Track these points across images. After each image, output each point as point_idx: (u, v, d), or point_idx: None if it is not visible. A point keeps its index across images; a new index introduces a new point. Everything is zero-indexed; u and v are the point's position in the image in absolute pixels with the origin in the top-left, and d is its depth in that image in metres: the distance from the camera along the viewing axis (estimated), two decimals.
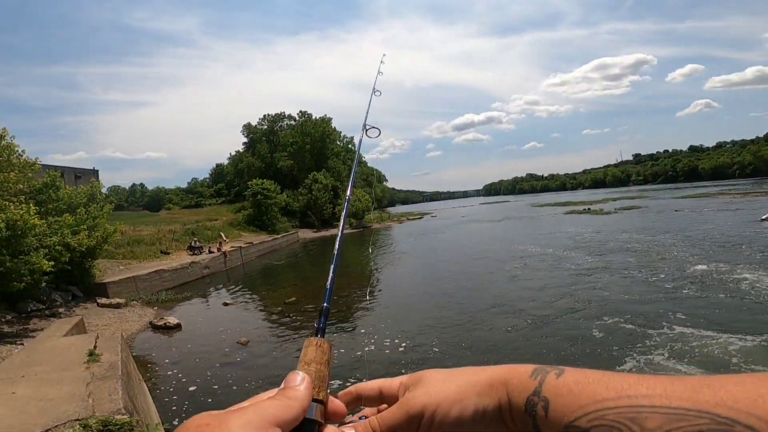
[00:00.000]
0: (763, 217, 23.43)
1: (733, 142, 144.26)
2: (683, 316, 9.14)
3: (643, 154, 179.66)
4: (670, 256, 16.09)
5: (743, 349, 7.24)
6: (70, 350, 6.14)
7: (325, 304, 0.57)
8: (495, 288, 14.20)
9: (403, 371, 6.83)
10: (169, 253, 24.72)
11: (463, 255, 23.16)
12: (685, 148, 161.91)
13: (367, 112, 1.13)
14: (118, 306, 14.31)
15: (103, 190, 20.77)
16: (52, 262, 12.01)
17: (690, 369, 6.81)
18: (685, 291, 11.17)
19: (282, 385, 0.48)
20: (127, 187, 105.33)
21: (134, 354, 9.86)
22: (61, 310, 12.98)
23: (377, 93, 1.30)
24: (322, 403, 0.49)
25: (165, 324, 12.04)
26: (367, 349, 9.13)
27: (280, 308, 13.70)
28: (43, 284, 13.55)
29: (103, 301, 14.49)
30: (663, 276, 13.06)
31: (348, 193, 0.87)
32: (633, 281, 12.85)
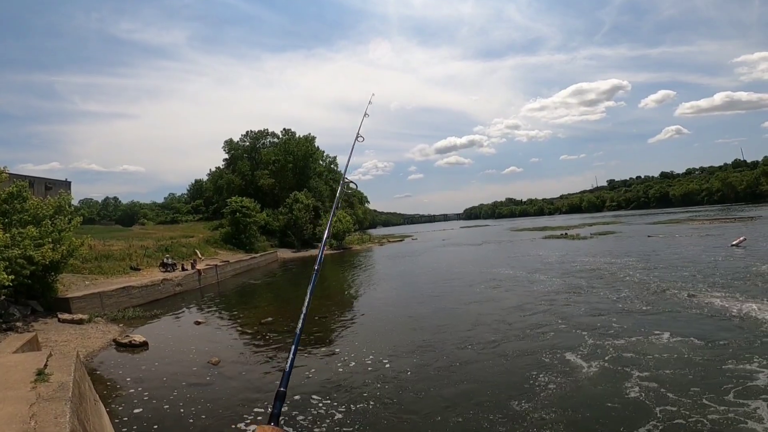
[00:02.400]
0: (733, 242, 24.24)
1: (702, 169, 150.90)
2: (654, 339, 9.16)
3: (617, 180, 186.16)
4: (646, 281, 16.36)
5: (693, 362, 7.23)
6: (17, 368, 5.60)
7: (281, 388, 0.50)
8: (474, 311, 14.06)
9: (380, 387, 6.51)
10: (139, 270, 23.73)
11: (443, 278, 23.03)
12: (656, 174, 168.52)
13: (351, 154, 1.14)
14: (80, 322, 13.48)
15: (74, 203, 19.91)
16: (12, 276, 11.29)
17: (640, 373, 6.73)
18: (662, 317, 11.27)
19: None
20: (99, 201, 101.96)
21: (95, 372, 9.22)
22: (18, 324, 12.13)
23: (360, 139, 1.32)
24: None
25: (130, 342, 11.35)
26: (341, 369, 8.75)
27: (255, 328, 13.16)
28: (2, 297, 12.69)
29: (65, 316, 13.64)
30: (638, 302, 13.21)
31: (331, 216, 0.77)
32: (609, 307, 12.93)
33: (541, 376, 7.56)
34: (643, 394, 6.47)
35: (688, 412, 5.78)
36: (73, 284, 17.58)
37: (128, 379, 8.90)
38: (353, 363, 9.18)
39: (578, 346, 9.10)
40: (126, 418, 6.87)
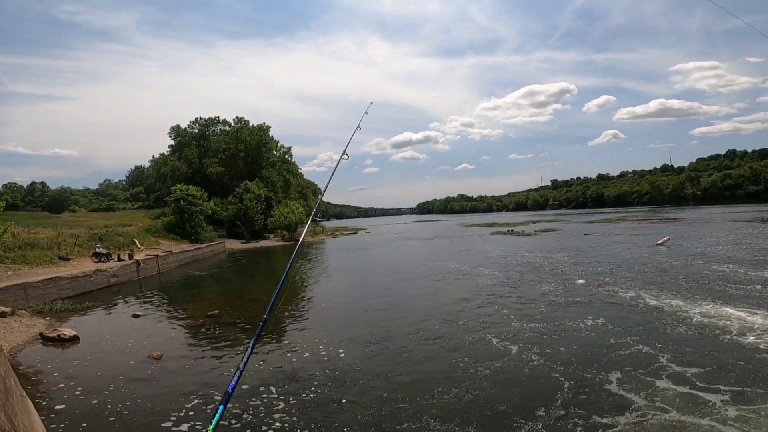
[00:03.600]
0: (658, 242, 26.61)
1: (634, 172, 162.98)
2: (570, 328, 9.94)
3: (559, 180, 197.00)
4: (578, 275, 17.58)
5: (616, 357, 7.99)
6: None
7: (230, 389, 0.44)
8: (423, 304, 14.44)
9: (334, 376, 6.58)
10: (69, 260, 22.00)
11: (395, 271, 23.39)
12: (594, 176, 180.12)
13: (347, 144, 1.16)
14: (2, 315, 12.30)
15: None
16: None
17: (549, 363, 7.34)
18: (585, 307, 12.21)
19: None
20: (25, 185, 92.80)
21: (20, 368, 8.50)
22: None
23: (345, 157, 1.38)
24: None
25: (59, 336, 10.53)
26: (294, 360, 8.70)
27: (200, 321, 12.67)
28: None
29: None
30: (567, 294, 14.20)
31: (318, 200, 0.78)
32: (542, 298, 13.80)
33: (479, 361, 8.02)
34: (558, 371, 7.21)
35: (589, 385, 6.53)
36: None
37: (57, 374, 8.28)
38: (306, 354, 9.15)
39: (509, 332, 9.96)
40: (56, 415, 6.42)
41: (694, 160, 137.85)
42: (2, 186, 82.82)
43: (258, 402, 6.70)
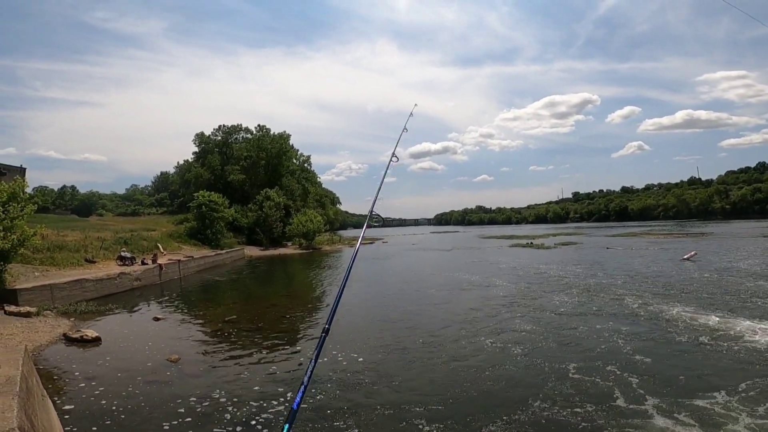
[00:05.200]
0: (684, 257, 25.70)
1: (660, 185, 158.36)
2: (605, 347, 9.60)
3: (581, 192, 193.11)
4: (601, 289, 17.05)
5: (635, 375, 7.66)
6: None
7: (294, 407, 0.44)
8: (441, 314, 14.26)
9: (353, 381, 6.55)
10: (95, 262, 22.64)
11: (412, 281, 23.24)
12: (618, 189, 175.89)
13: (396, 145, 1.13)
14: (27, 315, 12.71)
15: (28, 190, 18.77)
16: None
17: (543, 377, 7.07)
18: (616, 324, 11.80)
19: None
20: (56, 189, 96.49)
21: (41, 367, 8.72)
22: None
23: (395, 159, 1.30)
24: None
25: (82, 337, 10.79)
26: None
27: (218, 326, 12.82)
28: None
29: (11, 308, 12.84)
30: (592, 307, 13.76)
31: (372, 205, 0.75)
32: (567, 311, 13.42)
33: (493, 370, 7.82)
34: (578, 389, 6.81)
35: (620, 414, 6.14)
36: (22, 275, 16.58)
37: (78, 374, 8.47)
38: (324, 359, 9.14)
39: (526, 343, 9.72)
40: (75, 415, 6.54)
41: (723, 173, 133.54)
42: (34, 189, 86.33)
43: (276, 404, 6.68)
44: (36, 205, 15.97)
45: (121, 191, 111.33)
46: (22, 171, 44.00)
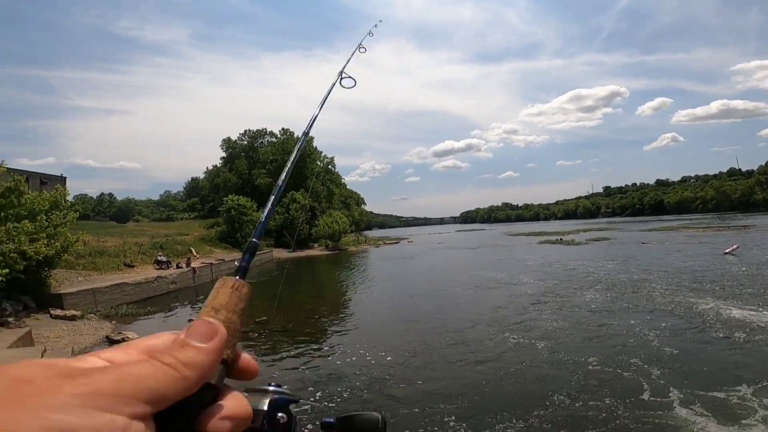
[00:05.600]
0: (726, 251, 24.46)
1: (697, 177, 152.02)
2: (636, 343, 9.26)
3: (612, 186, 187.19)
4: (638, 285, 16.45)
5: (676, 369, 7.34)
6: None
7: (254, 239, 0.49)
8: (468, 313, 14.12)
9: (381, 379, 6.64)
10: (133, 266, 23.66)
11: (438, 280, 23.11)
12: (652, 182, 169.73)
13: (348, 60, 1.08)
14: (72, 318, 13.42)
15: (69, 198, 19.82)
16: (6, 270, 11.23)
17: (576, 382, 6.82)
18: (655, 322, 11.37)
19: (182, 335, 0.35)
20: (95, 197, 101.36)
21: None
22: (10, 320, 12.06)
23: (362, 50, 1.20)
24: (228, 363, 0.37)
25: (123, 338, 11.31)
26: (338, 362, 8.79)
27: (249, 327, 13.15)
28: None
29: (57, 312, 13.58)
30: (629, 304, 13.30)
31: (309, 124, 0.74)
32: (602, 308, 13.02)
33: (522, 372, 7.68)
34: (610, 391, 6.59)
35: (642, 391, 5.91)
36: (66, 280, 17.51)
37: None
38: (353, 357, 9.29)
39: (560, 337, 9.52)
40: None
41: (764, 163, 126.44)
42: (74, 197, 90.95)
43: (305, 405, 6.82)
44: (77, 213, 16.85)
45: (155, 197, 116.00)
46: (62, 180, 46.42)
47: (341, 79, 0.99)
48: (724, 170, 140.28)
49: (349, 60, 1.05)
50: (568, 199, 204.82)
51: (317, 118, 0.80)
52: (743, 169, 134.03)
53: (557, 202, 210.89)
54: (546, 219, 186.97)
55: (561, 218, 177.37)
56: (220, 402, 0.34)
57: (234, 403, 0.34)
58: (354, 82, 1.00)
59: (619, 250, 32.09)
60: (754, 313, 10.90)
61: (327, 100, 0.85)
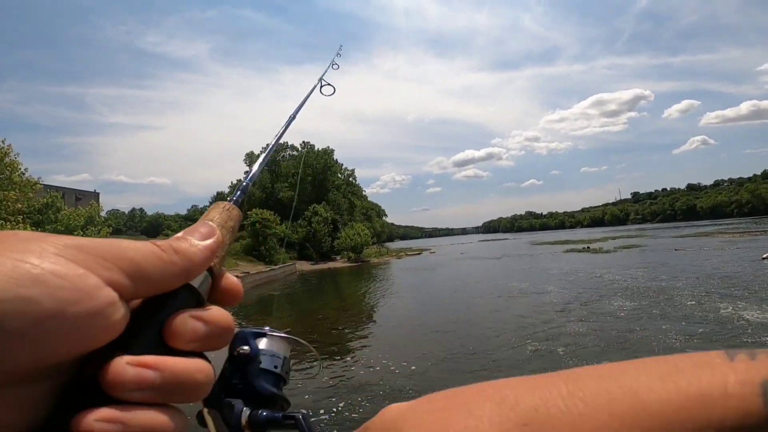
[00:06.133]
0: (764, 256, 23.32)
1: (731, 180, 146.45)
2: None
3: (641, 192, 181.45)
4: (674, 294, 15.84)
5: None
6: None
7: (239, 192, 0.49)
8: (491, 322, 13.90)
9: (401, 394, 6.63)
10: None
11: (461, 291, 22.87)
12: (682, 187, 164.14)
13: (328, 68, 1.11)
14: None
15: (102, 213, 20.70)
16: None
17: None
18: (695, 328, 10.92)
19: (181, 233, 0.34)
20: (126, 212, 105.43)
21: None
22: None
23: (335, 67, 1.18)
24: (213, 274, 0.35)
25: None
26: (362, 372, 8.79)
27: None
28: None
29: None
30: (661, 313, 12.81)
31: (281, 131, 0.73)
32: (637, 316, 12.58)
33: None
34: None
35: None
36: None
37: None
38: (377, 367, 9.28)
39: (583, 345, 9.29)
40: None
41: None
42: (107, 213, 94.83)
43: (325, 416, 6.85)
44: (110, 228, 17.58)
45: (183, 212, 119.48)
46: (96, 196, 48.56)
47: (321, 86, 1.02)
48: (758, 173, 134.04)
49: (326, 71, 1.08)
50: (595, 207, 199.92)
51: (293, 121, 0.77)
52: None
53: (583, 210, 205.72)
54: (572, 227, 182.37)
55: (587, 226, 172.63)
56: (201, 308, 0.32)
57: (216, 312, 0.32)
58: (333, 90, 1.03)
59: (650, 258, 31.00)
60: None
61: (304, 107, 0.86)
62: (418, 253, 68.46)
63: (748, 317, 11.11)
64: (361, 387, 8.16)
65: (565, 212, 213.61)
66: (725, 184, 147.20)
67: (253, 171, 0.54)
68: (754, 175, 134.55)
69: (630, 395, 0.23)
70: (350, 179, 70.09)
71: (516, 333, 11.44)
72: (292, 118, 0.78)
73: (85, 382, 0.26)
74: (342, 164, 69.35)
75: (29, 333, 0.23)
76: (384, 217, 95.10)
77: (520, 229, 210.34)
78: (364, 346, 11.65)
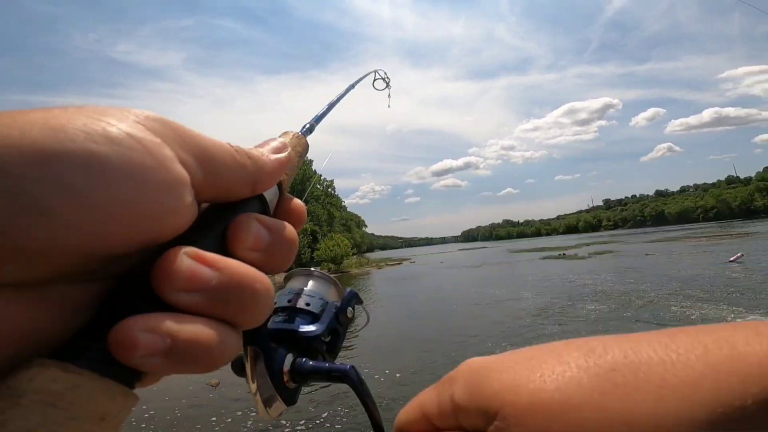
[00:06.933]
0: (731, 259, 24.43)
1: (696, 186, 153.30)
2: None
3: (612, 199, 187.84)
4: (645, 298, 16.42)
5: None
6: None
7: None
8: (469, 329, 14.08)
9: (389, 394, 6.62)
10: None
11: (443, 300, 23.07)
12: (651, 193, 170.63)
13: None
14: None
15: None
16: None
17: None
18: (655, 328, 11.32)
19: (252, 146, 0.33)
20: None
21: None
22: None
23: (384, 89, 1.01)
24: (281, 188, 0.34)
25: None
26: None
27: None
28: None
29: None
30: (633, 316, 13.27)
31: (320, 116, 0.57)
32: (603, 320, 12.99)
33: None
34: None
35: None
36: None
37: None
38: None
39: None
40: None
41: (761, 170, 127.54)
42: None
43: (308, 425, 6.78)
44: None
45: None
46: None
47: (375, 79, 0.90)
48: (722, 178, 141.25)
49: (375, 78, 0.94)
50: (569, 214, 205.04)
51: (328, 114, 0.61)
52: (741, 177, 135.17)
53: (558, 217, 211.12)
54: (548, 234, 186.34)
55: (563, 233, 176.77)
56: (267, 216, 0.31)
57: (282, 224, 0.30)
58: (385, 86, 0.91)
59: (622, 263, 32.01)
60: (762, 318, 10.87)
61: (344, 97, 0.71)
62: (399, 263, 68.49)
63: (716, 317, 11.62)
64: (343, 395, 8.11)
65: (541, 220, 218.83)
66: (691, 189, 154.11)
67: (321, 111, 0.53)
68: (718, 181, 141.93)
69: (727, 347, 0.22)
70: (329, 190, 69.94)
71: (495, 339, 11.64)
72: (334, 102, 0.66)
73: (133, 282, 0.23)
74: (321, 175, 69.24)
75: (93, 200, 0.19)
76: (364, 228, 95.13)
77: (498, 238, 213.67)
78: (348, 357, 11.58)
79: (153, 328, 0.22)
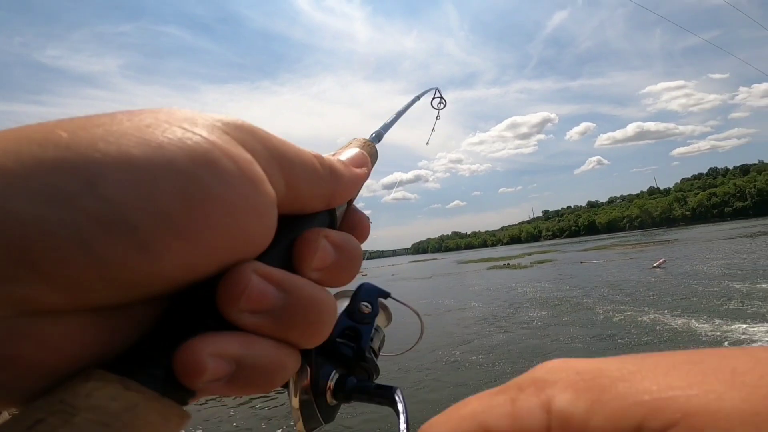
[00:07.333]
0: (654, 264, 26.62)
1: (622, 197, 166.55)
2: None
3: (550, 210, 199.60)
4: (580, 303, 17.38)
5: None
6: None
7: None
8: (424, 342, 14.08)
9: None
10: None
11: (393, 312, 22.98)
12: (584, 204, 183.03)
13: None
14: None
15: None
16: None
17: None
18: (600, 331, 11.98)
19: (335, 154, 0.32)
20: None
21: None
22: None
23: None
24: (350, 204, 0.33)
25: None
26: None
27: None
28: None
29: None
30: (571, 320, 13.97)
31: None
32: (549, 324, 13.55)
33: (466, 377, 7.70)
34: None
35: None
36: None
37: None
38: None
39: (502, 350, 9.47)
40: None
41: (678, 181, 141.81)
42: None
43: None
44: None
45: None
46: None
47: (433, 98, 0.88)
48: (645, 189, 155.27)
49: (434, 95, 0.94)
50: (512, 225, 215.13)
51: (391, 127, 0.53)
52: (661, 188, 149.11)
53: (502, 228, 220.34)
54: (493, 245, 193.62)
55: (507, 243, 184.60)
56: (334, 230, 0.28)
57: (348, 238, 0.28)
58: (443, 104, 0.91)
59: (560, 270, 33.85)
60: (679, 320, 11.83)
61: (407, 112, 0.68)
62: None
63: (644, 319, 12.49)
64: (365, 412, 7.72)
65: (486, 231, 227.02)
66: (618, 200, 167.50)
67: (390, 119, 0.51)
68: (641, 192, 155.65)
69: None
70: None
71: (445, 348, 11.70)
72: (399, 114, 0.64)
73: (196, 297, 0.21)
74: None
75: (191, 231, 0.18)
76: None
77: (448, 249, 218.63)
78: None
79: (221, 352, 0.20)
